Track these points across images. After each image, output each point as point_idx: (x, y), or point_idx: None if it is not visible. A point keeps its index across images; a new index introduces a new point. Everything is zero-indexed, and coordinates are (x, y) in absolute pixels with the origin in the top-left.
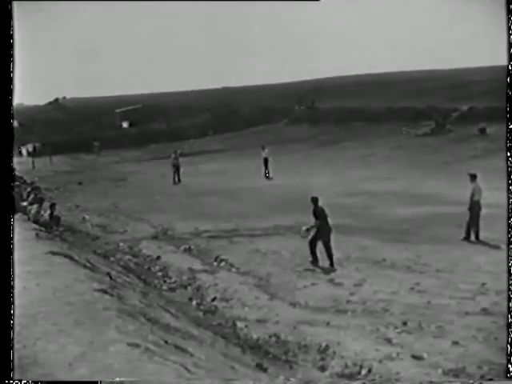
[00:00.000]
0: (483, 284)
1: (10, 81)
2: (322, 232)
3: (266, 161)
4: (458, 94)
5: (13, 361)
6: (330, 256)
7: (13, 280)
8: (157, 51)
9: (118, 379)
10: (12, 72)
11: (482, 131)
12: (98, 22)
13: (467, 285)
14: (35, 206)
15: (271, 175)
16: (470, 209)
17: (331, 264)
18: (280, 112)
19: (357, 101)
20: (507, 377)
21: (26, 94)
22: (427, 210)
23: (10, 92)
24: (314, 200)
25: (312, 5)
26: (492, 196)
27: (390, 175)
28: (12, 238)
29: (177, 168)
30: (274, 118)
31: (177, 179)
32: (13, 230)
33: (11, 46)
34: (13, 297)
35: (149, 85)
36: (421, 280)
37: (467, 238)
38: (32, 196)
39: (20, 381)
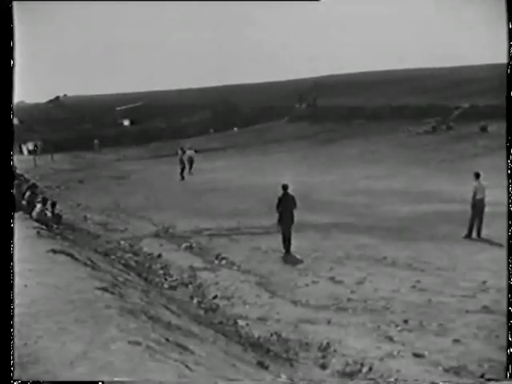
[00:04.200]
0: (484, 282)
1: (11, 79)
2: (283, 220)
3: (190, 160)
4: (458, 91)
5: (13, 359)
6: (284, 243)
7: (13, 278)
8: (157, 49)
9: (118, 379)
10: (12, 71)
11: (483, 129)
12: (99, 21)
13: (468, 283)
14: (39, 205)
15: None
16: (473, 207)
17: (287, 251)
18: (281, 110)
19: (357, 99)
20: (507, 377)
21: (26, 92)
22: (428, 207)
23: (10, 90)
24: (285, 187)
25: (312, 4)
26: (493, 194)
27: (391, 173)
28: (12, 237)
29: (183, 165)
30: (275, 115)
31: (182, 176)
32: (13, 228)
33: (11, 45)
34: (13, 295)
35: (149, 83)
36: (422, 278)
37: (469, 235)
38: (28, 193)
39: (19, 381)
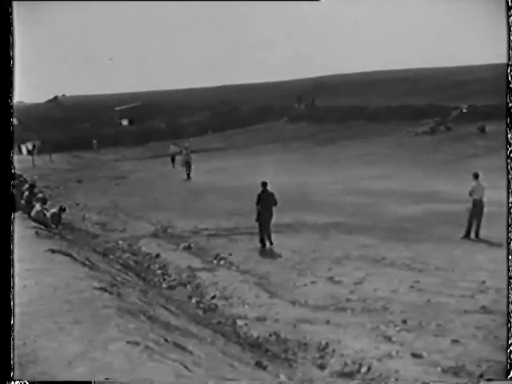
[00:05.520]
0: (483, 282)
1: (10, 80)
2: (263, 215)
3: (173, 158)
4: (457, 92)
5: (13, 359)
6: (268, 236)
7: (13, 278)
8: (156, 49)
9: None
10: (12, 71)
11: (482, 129)
12: (98, 21)
13: (467, 283)
14: (38, 205)
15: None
16: (472, 207)
17: (270, 242)
18: (280, 110)
19: (356, 99)
20: (507, 377)
21: (25, 92)
22: (427, 208)
23: (9, 91)
24: (264, 184)
25: (312, 4)
26: (492, 194)
27: (390, 174)
28: (12, 237)
29: (188, 165)
30: (274, 116)
31: (187, 176)
32: (13, 228)
33: (11, 46)
34: (13, 295)
35: (148, 82)
36: (420, 278)
37: (467, 236)
38: (27, 193)
39: (20, 381)
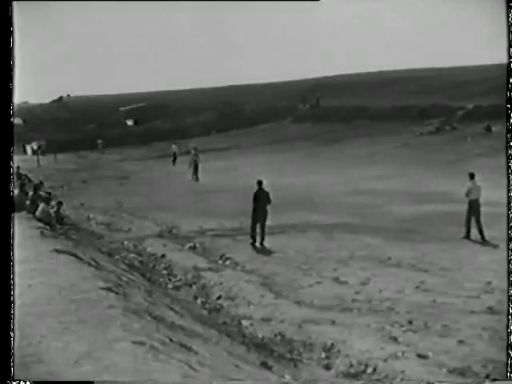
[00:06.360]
0: (488, 283)
1: (11, 80)
2: (258, 214)
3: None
4: (462, 92)
5: (13, 359)
6: (261, 237)
7: (13, 278)
8: (161, 49)
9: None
10: (12, 71)
11: (488, 129)
12: (101, 21)
13: (472, 283)
14: (42, 205)
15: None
16: (468, 207)
17: (261, 243)
18: (284, 110)
19: (361, 99)
20: (507, 377)
21: (30, 92)
22: (432, 208)
23: (10, 91)
24: (259, 183)
25: (314, 4)
26: (496, 194)
27: (395, 174)
28: (13, 237)
29: (196, 165)
30: (278, 116)
31: (195, 176)
32: (13, 228)
33: (11, 46)
34: (13, 295)
35: (153, 83)
36: (426, 279)
37: (467, 236)
38: (32, 193)
39: (21, 381)
